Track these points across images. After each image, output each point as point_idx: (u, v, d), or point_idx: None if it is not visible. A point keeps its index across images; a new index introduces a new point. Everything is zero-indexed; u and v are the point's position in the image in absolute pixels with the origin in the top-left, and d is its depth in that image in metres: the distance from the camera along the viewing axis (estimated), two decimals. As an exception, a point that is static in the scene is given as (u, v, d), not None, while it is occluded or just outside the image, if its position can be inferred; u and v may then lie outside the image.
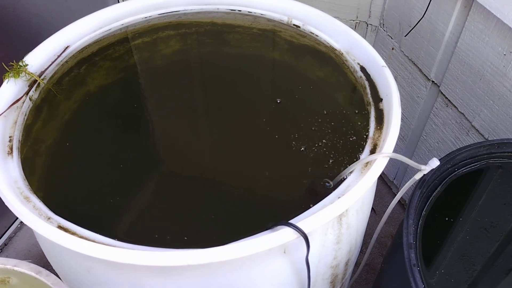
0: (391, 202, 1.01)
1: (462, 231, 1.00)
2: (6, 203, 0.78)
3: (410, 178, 0.86)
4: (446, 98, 1.44)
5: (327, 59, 1.11)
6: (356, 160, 0.89)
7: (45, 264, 1.32)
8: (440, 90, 1.46)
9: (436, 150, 1.58)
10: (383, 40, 1.70)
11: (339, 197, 0.78)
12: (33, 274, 1.12)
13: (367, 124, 0.93)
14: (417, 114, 1.63)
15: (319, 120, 1.01)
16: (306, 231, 0.72)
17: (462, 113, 1.39)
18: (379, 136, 0.88)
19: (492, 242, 0.99)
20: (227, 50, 1.24)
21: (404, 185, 0.92)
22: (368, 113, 0.94)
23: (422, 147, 1.66)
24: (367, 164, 0.83)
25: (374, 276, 1.73)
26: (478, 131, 1.34)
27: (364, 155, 0.86)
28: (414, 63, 1.56)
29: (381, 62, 0.98)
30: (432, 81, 1.49)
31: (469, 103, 1.35)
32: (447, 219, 1.01)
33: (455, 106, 1.41)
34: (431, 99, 1.53)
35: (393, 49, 1.66)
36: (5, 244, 1.80)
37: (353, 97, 1.03)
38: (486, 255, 0.97)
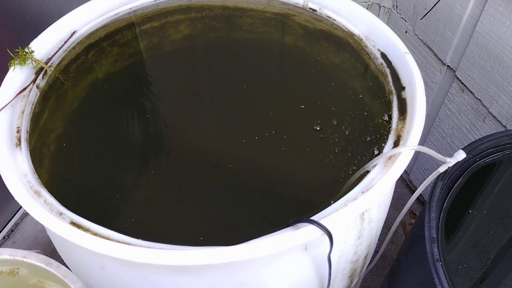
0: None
1: (477, 220, 0.97)
2: (16, 198, 0.76)
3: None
4: (462, 83, 1.40)
5: (344, 44, 1.07)
6: (379, 152, 0.86)
7: (52, 251, 1.31)
8: (455, 75, 1.42)
9: (450, 136, 1.54)
10: (396, 23, 1.65)
11: (362, 192, 0.75)
12: (42, 265, 1.09)
13: (390, 114, 0.89)
14: (430, 99, 1.59)
15: (339, 110, 0.97)
16: (330, 229, 0.69)
17: (478, 99, 1.35)
18: (402, 127, 0.84)
19: (507, 231, 0.97)
20: (239, 35, 1.20)
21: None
22: (390, 103, 0.91)
23: (435, 133, 1.62)
24: (391, 157, 0.80)
25: (384, 263, 1.71)
26: (495, 118, 1.31)
27: (388, 147, 0.82)
28: (428, 47, 1.51)
29: (404, 48, 0.94)
30: (448, 66, 1.45)
31: (486, 89, 1.31)
32: (464, 209, 0.98)
33: (471, 92, 1.37)
34: (446, 85, 1.50)
35: (406, 32, 1.61)
36: (12, 230, 1.78)
37: (373, 86, 0.99)
38: (500, 244, 0.95)
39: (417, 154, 1.74)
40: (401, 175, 1.92)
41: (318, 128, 0.96)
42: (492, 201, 1.00)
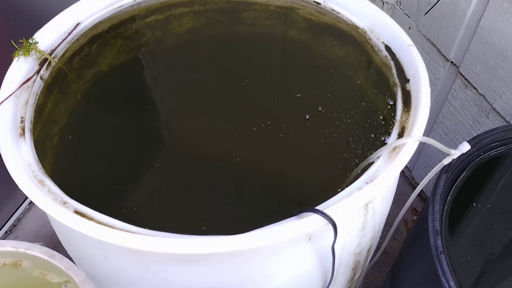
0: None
1: (480, 214, 0.97)
2: (20, 187, 0.75)
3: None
4: (466, 79, 1.40)
5: (349, 37, 1.07)
6: (383, 143, 0.85)
7: (54, 245, 1.31)
8: (459, 71, 1.42)
9: (453, 133, 1.54)
10: (399, 19, 1.65)
11: (366, 183, 0.75)
12: (45, 257, 1.09)
13: (394, 106, 0.89)
14: (433, 96, 1.59)
15: (343, 102, 0.97)
16: (334, 218, 0.69)
17: (482, 95, 1.35)
18: (406, 118, 0.84)
19: (510, 227, 0.97)
20: (242, 28, 1.20)
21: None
22: (394, 95, 0.91)
23: (438, 130, 1.62)
24: (395, 148, 0.79)
25: (387, 260, 1.71)
26: (499, 113, 1.31)
27: (392, 138, 0.82)
28: (432, 43, 1.51)
29: (408, 40, 0.94)
30: (451, 62, 1.45)
31: (490, 85, 1.31)
32: (467, 202, 0.98)
33: (475, 88, 1.37)
34: (449, 81, 1.49)
35: (410, 28, 1.61)
36: (14, 225, 1.78)
37: (377, 78, 0.99)
38: (503, 239, 0.95)
39: (420, 150, 1.74)
40: (404, 172, 1.93)
41: (321, 120, 0.95)
42: (496, 195, 1.00)
